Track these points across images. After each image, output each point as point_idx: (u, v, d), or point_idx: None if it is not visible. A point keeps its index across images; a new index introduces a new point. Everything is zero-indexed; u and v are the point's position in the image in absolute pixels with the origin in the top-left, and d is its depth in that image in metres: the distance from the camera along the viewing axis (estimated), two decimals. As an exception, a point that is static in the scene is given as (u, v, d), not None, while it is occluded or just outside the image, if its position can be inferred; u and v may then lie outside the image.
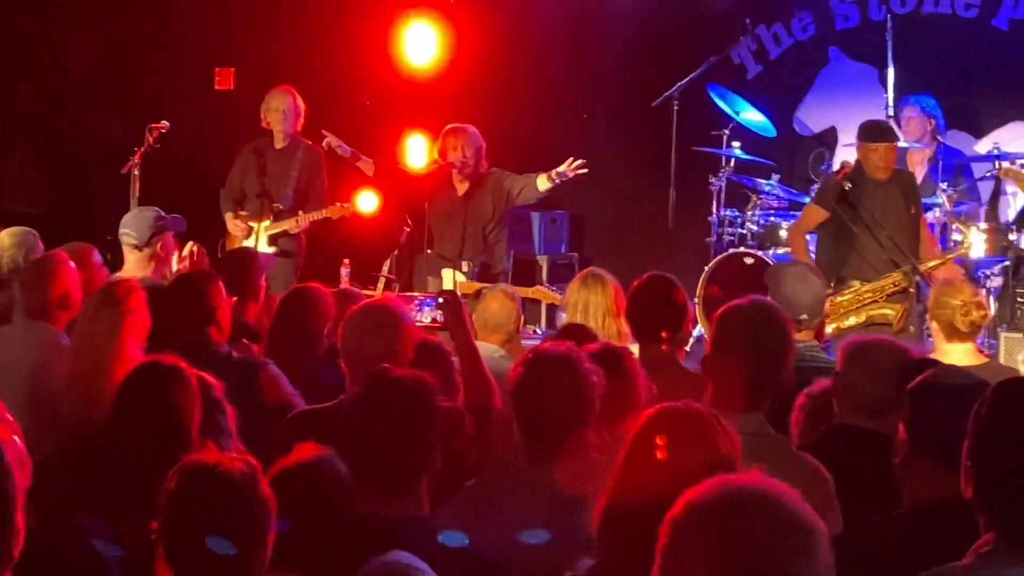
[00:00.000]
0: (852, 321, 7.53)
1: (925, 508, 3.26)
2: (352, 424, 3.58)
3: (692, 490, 2.10)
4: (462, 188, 9.09)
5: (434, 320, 5.76)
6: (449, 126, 9.17)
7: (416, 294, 8.01)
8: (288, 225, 9.14)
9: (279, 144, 9.37)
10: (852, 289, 7.78)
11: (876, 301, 7.58)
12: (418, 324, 5.89)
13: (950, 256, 8.06)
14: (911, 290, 7.63)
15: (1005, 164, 8.78)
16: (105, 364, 4.87)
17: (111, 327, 5.03)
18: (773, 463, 2.89)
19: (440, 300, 5.33)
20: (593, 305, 6.01)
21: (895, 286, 7.64)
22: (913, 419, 3.33)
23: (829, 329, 7.39)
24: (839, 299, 7.74)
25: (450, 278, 8.71)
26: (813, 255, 8.38)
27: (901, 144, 9.88)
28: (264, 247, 9.00)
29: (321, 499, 3.39)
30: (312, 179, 9.35)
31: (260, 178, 9.27)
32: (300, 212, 9.18)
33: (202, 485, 3.08)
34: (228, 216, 9.31)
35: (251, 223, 9.17)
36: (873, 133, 8.11)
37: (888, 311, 7.33)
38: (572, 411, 3.84)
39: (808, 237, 8.51)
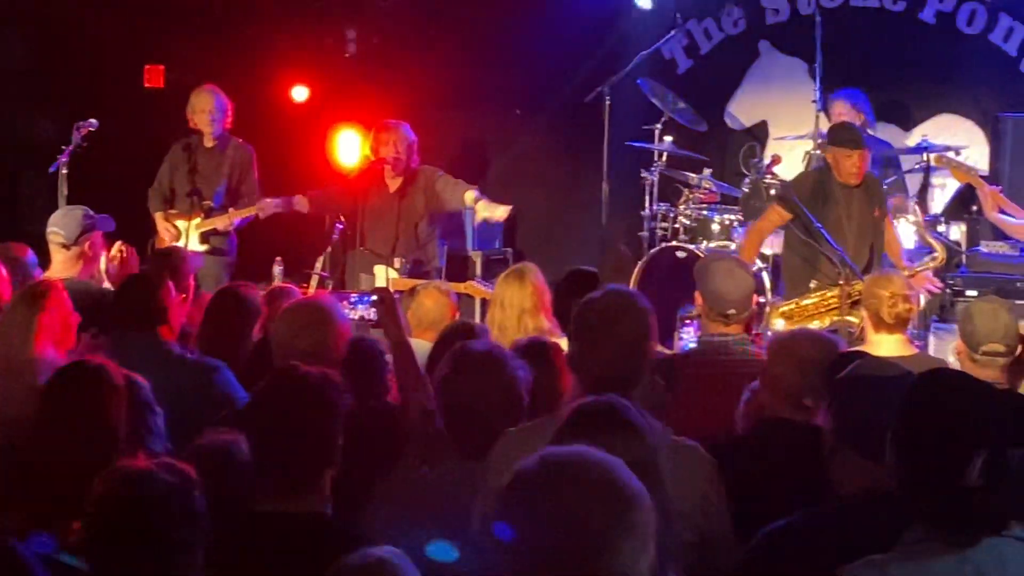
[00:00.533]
0: (815, 325, 7.39)
1: (852, 499, 3.28)
2: (254, 419, 3.55)
3: (522, 461, 2.17)
4: (394, 185, 9.07)
5: (362, 318, 5.73)
6: (381, 122, 9.15)
7: (349, 291, 7.97)
8: (219, 223, 9.07)
9: (208, 143, 9.30)
10: (818, 293, 7.72)
11: (840, 307, 7.47)
12: (351, 321, 5.86)
13: (918, 269, 7.99)
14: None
15: (945, 154, 8.80)
16: (18, 364, 4.82)
17: (25, 327, 4.97)
18: None
19: (374, 298, 5.31)
20: (508, 301, 6.01)
21: (860, 293, 7.50)
22: (838, 411, 3.36)
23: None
24: (804, 302, 7.72)
25: (383, 275, 8.69)
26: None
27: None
28: (195, 245, 8.92)
29: (225, 480, 3.35)
30: (243, 177, 9.28)
31: (190, 176, 9.19)
32: (231, 209, 9.12)
33: (132, 493, 3.04)
34: (158, 216, 9.22)
35: (181, 221, 9.09)
36: (848, 140, 7.99)
37: (853, 319, 7.17)
38: (500, 408, 3.85)
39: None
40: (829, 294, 7.61)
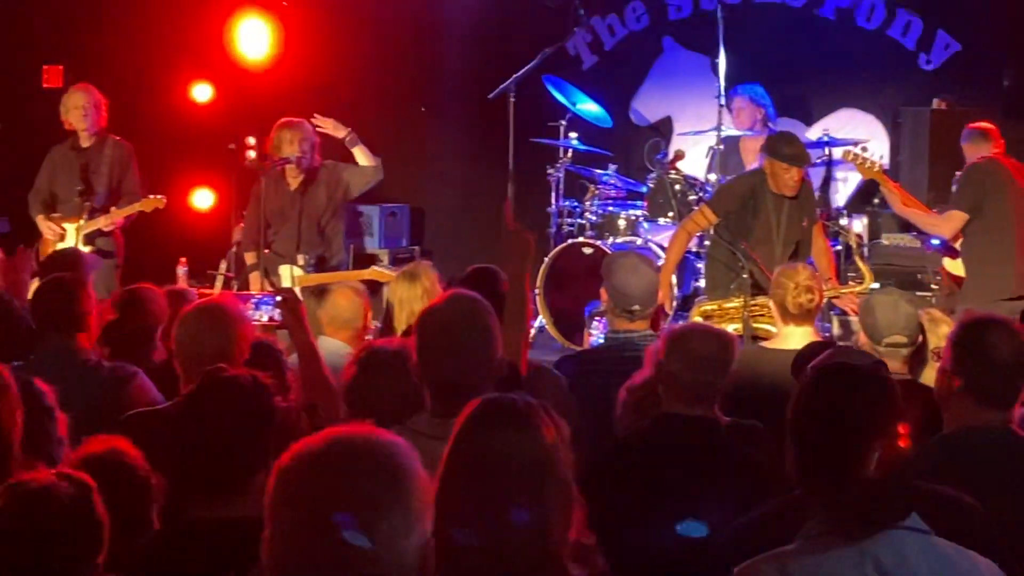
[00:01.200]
0: (732, 328, 7.37)
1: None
2: (185, 423, 3.50)
3: (301, 441, 2.26)
4: (295, 182, 8.98)
5: (271, 319, 5.70)
6: (283, 120, 9.06)
7: (252, 292, 7.91)
8: (102, 223, 8.90)
9: (85, 143, 9.13)
10: (740, 298, 7.69)
11: (763, 315, 7.44)
12: (255, 323, 5.81)
13: (844, 291, 7.93)
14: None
15: (852, 149, 8.81)
16: None
17: None
18: None
19: (278, 299, 5.26)
20: (399, 300, 5.98)
21: None
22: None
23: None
24: (727, 305, 7.76)
25: (288, 274, 8.62)
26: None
27: (733, 132, 10.06)
28: (80, 248, 8.74)
29: (114, 492, 3.29)
30: (123, 174, 9.13)
31: (70, 178, 9.03)
32: (113, 208, 8.97)
33: (31, 508, 3.00)
34: (39, 219, 9.03)
35: (66, 223, 8.92)
36: (788, 156, 7.94)
37: (772, 327, 7.12)
38: (404, 410, 3.82)
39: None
40: (752, 302, 7.61)
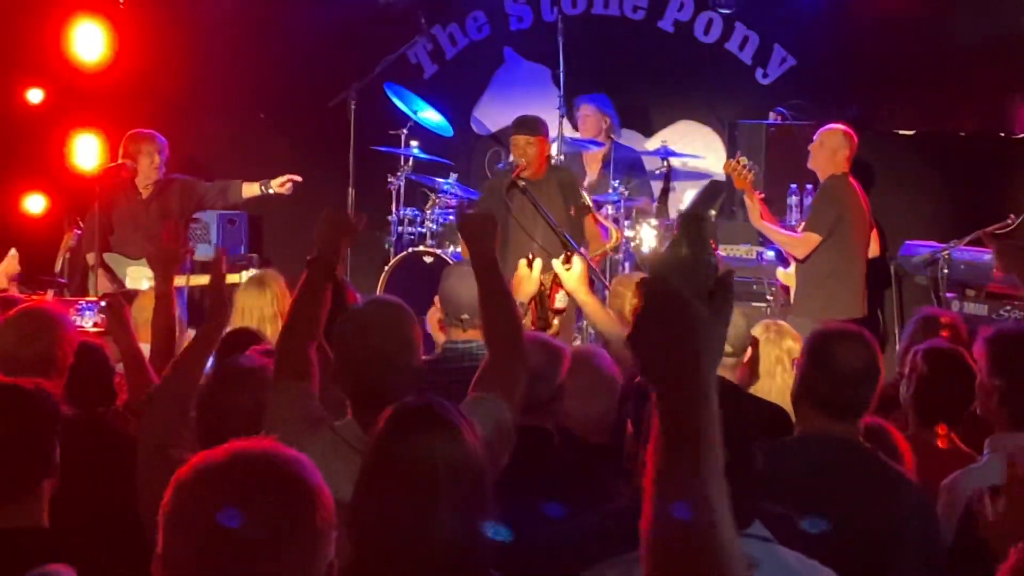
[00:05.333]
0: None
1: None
2: None
3: (202, 454, 2.16)
4: (147, 192, 8.91)
5: (95, 324, 5.56)
6: (140, 132, 8.94)
7: (79, 299, 7.73)
8: None
9: None
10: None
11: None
12: (80, 329, 5.65)
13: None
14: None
15: (732, 160, 8.72)
16: None
17: None
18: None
19: (102, 304, 5.15)
20: (248, 309, 5.88)
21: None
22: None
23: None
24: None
25: (140, 275, 8.52)
26: None
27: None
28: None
29: None
30: None
31: None
32: None
33: None
34: None
35: None
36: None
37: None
38: (255, 427, 3.74)
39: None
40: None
